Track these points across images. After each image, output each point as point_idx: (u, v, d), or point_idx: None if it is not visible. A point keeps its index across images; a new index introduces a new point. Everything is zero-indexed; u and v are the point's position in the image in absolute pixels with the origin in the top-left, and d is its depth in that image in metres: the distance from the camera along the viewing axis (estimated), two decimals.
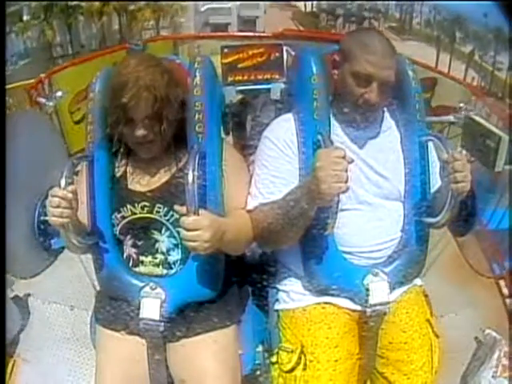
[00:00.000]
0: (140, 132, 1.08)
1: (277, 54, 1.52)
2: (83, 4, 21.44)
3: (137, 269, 1.18)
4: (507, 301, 2.02)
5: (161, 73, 1.09)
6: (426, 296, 1.29)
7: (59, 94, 2.66)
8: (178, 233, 1.13)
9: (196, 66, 1.13)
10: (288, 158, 1.17)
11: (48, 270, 1.95)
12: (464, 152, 1.08)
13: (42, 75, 2.96)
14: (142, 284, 1.13)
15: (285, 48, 1.64)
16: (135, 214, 1.16)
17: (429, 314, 1.26)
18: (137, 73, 1.06)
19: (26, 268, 1.70)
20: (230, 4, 25.18)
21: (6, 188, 1.33)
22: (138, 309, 1.12)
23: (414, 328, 1.21)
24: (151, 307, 1.11)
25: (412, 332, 1.20)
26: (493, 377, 1.72)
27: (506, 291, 2.05)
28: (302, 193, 1.04)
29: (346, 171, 0.97)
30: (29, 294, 1.98)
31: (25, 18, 19.60)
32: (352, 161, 0.99)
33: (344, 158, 0.97)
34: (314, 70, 1.15)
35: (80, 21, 22.50)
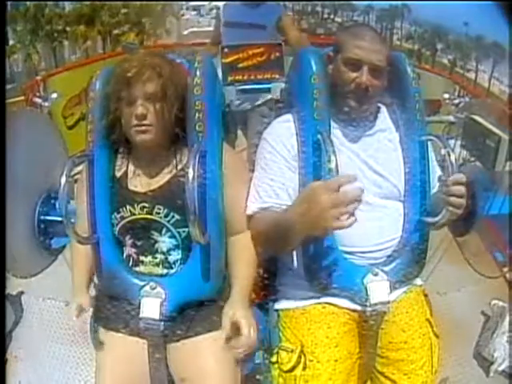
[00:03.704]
0: (140, 110, 1.07)
1: (277, 54, 1.51)
2: (68, 28, 21.81)
3: (137, 268, 1.18)
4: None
5: (167, 62, 1.13)
6: (425, 296, 1.29)
7: (54, 95, 2.68)
8: (179, 233, 1.14)
9: (196, 65, 1.13)
10: (286, 162, 1.16)
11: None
12: (463, 176, 1.02)
13: (38, 77, 2.97)
14: (142, 283, 1.13)
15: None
16: (134, 214, 1.15)
17: (429, 313, 1.26)
18: (143, 58, 1.11)
19: (27, 267, 1.70)
20: (212, 27, 25.79)
21: (6, 187, 1.33)
22: (138, 308, 1.11)
23: (414, 328, 1.20)
24: (151, 307, 1.10)
25: (412, 332, 1.20)
26: (508, 341, 1.76)
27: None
28: (302, 220, 0.95)
29: (350, 202, 0.86)
30: (22, 292, 1.98)
31: (10, 42, 19.66)
32: (355, 179, 0.89)
33: (342, 185, 0.87)
34: (314, 69, 1.15)
35: (65, 45, 22.84)
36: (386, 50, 1.15)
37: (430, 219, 1.17)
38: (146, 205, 1.15)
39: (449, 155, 1.11)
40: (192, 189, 0.99)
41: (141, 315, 1.11)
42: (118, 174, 1.18)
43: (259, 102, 1.92)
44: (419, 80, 1.23)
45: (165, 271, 1.17)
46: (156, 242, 1.16)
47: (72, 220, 1.16)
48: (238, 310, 1.14)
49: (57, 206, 1.06)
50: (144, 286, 1.13)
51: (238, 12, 2.18)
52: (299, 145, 1.16)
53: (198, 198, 1.02)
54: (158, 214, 1.14)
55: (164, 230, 1.15)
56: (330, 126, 1.16)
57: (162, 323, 1.10)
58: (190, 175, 1.00)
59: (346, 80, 1.14)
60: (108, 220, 1.17)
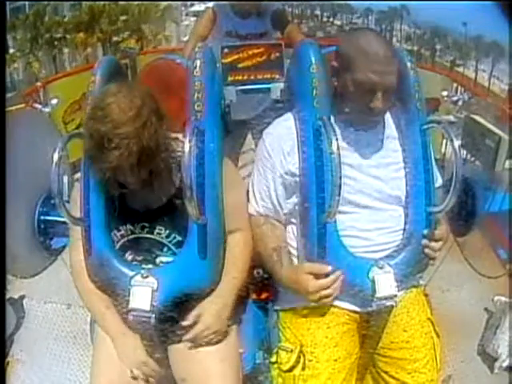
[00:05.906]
0: (130, 179, 1.02)
1: (277, 54, 1.50)
2: (67, 36, 21.96)
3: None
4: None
5: (146, 115, 0.99)
6: (426, 295, 1.29)
7: (54, 101, 2.68)
8: (180, 252, 1.12)
9: (196, 63, 1.13)
10: (281, 168, 1.16)
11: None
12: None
13: (38, 84, 2.97)
14: (132, 273, 1.08)
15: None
16: (134, 233, 1.13)
17: (429, 313, 1.25)
18: (118, 127, 0.96)
19: (27, 267, 1.71)
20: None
21: (6, 188, 1.33)
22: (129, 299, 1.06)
23: (415, 327, 1.20)
24: (141, 297, 1.04)
25: (413, 331, 1.20)
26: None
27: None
28: (287, 282, 1.15)
29: (333, 287, 1.08)
30: (23, 296, 1.98)
31: (11, 50, 19.71)
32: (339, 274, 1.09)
33: (328, 274, 1.08)
34: (313, 59, 1.14)
35: (65, 52, 22.99)
36: (396, 63, 1.10)
37: (434, 208, 1.16)
38: (146, 224, 1.12)
39: (452, 141, 1.11)
40: (188, 161, 0.97)
41: (130, 306, 1.04)
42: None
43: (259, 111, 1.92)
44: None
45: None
46: (157, 256, 1.14)
47: (65, 198, 1.13)
48: (207, 309, 1.12)
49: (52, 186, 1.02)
50: (135, 275, 1.08)
51: (234, 24, 2.10)
52: (299, 138, 1.14)
53: (197, 197, 1.02)
54: (160, 234, 1.12)
55: (165, 249, 1.13)
56: (329, 112, 1.14)
57: (153, 315, 1.04)
58: (186, 148, 0.97)
59: (359, 102, 1.10)
60: (102, 209, 1.13)
